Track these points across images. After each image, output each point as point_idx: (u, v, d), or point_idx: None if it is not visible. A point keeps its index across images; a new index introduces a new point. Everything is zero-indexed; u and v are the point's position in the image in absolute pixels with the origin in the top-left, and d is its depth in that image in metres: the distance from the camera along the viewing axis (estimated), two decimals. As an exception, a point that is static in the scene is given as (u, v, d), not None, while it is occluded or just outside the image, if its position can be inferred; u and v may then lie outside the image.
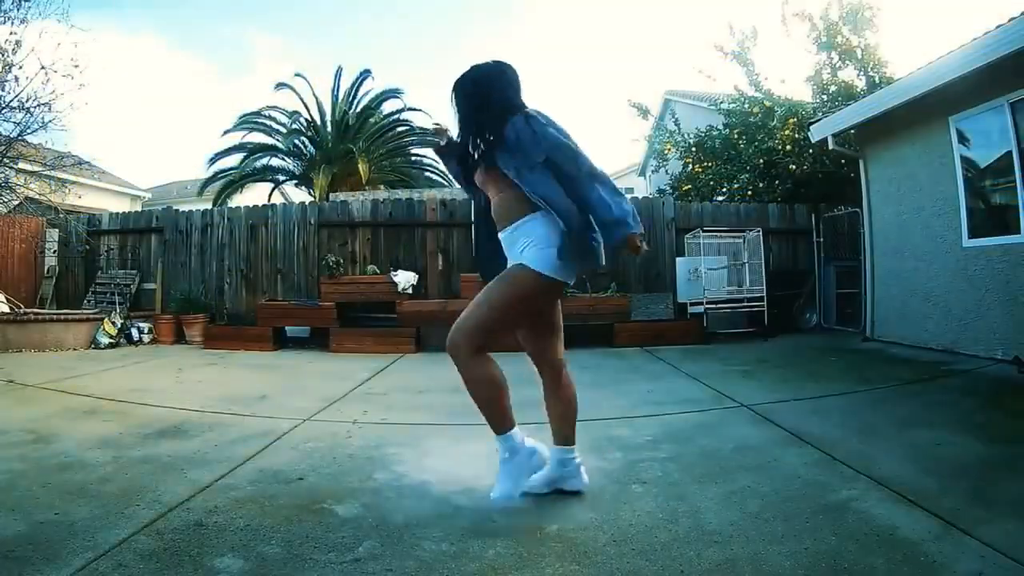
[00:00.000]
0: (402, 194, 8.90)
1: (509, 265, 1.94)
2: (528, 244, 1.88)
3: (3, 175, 7.51)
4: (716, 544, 1.68)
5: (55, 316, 6.42)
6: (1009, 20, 4.09)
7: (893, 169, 5.90)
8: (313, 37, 59.16)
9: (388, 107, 14.84)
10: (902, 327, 5.73)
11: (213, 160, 13.97)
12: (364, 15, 66.40)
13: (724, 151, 8.73)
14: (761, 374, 4.42)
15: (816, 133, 6.54)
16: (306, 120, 14.41)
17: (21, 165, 7.64)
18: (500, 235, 1.99)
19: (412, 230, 7.30)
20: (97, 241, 7.89)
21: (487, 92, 1.98)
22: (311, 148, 14.60)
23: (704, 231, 6.88)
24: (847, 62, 8.18)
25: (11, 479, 2.19)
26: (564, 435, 2.08)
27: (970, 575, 1.48)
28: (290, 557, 1.63)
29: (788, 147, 7.75)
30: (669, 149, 9.41)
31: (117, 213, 8.32)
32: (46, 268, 7.93)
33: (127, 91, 53.12)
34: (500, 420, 1.93)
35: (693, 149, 9.03)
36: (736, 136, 8.52)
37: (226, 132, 13.91)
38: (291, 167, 14.88)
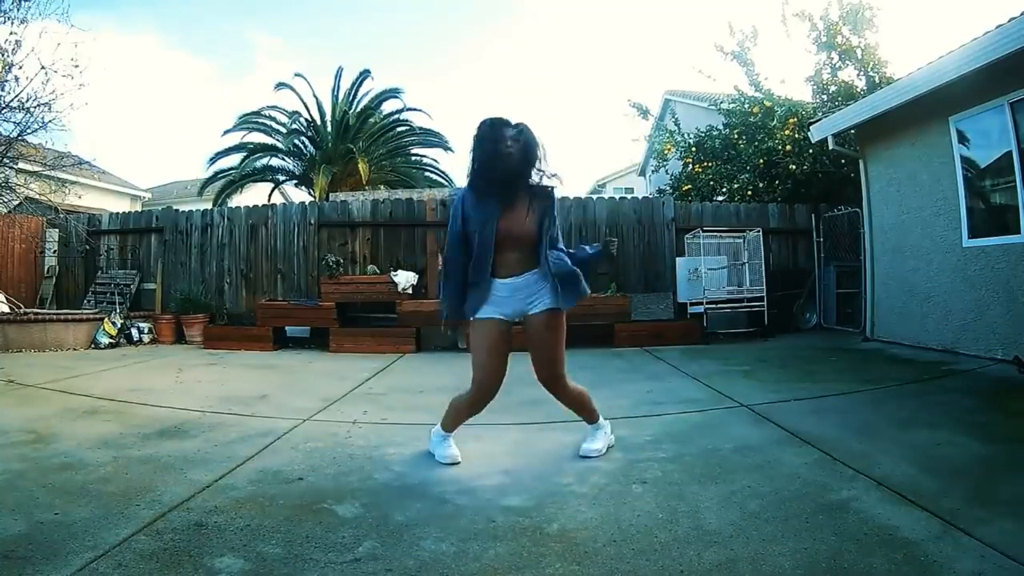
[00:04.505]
0: (402, 194, 8.89)
1: (511, 302, 2.29)
2: (542, 289, 2.30)
3: (3, 175, 7.51)
4: (716, 544, 1.68)
5: (55, 316, 6.42)
6: (1009, 20, 4.08)
7: (893, 169, 5.89)
8: (313, 37, 59.14)
9: (388, 107, 14.87)
10: (902, 327, 5.73)
11: (213, 160, 13.98)
12: (364, 15, 66.38)
13: (724, 151, 8.72)
14: (761, 374, 4.42)
15: (816, 133, 6.54)
16: (306, 120, 14.41)
17: (21, 165, 7.63)
18: (507, 280, 2.28)
19: (412, 230, 7.30)
20: (97, 241, 7.88)
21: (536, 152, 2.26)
22: (311, 148, 14.60)
23: (704, 231, 6.88)
24: (847, 62, 8.17)
25: (11, 479, 2.19)
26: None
27: (970, 575, 1.48)
28: (290, 557, 1.63)
29: (788, 147, 7.74)
30: (669, 149, 9.40)
31: (117, 213, 8.31)
32: (46, 268, 7.93)
33: (127, 91, 53.11)
34: (592, 415, 2.55)
35: (693, 149, 9.02)
36: (736, 136, 8.51)
37: (226, 132, 13.92)
38: (291, 167, 14.88)
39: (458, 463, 2.40)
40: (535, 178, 2.27)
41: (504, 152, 2.18)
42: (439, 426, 2.50)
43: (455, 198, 2.40)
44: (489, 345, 2.29)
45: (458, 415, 2.45)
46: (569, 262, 2.35)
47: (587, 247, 2.48)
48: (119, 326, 6.61)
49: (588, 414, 2.53)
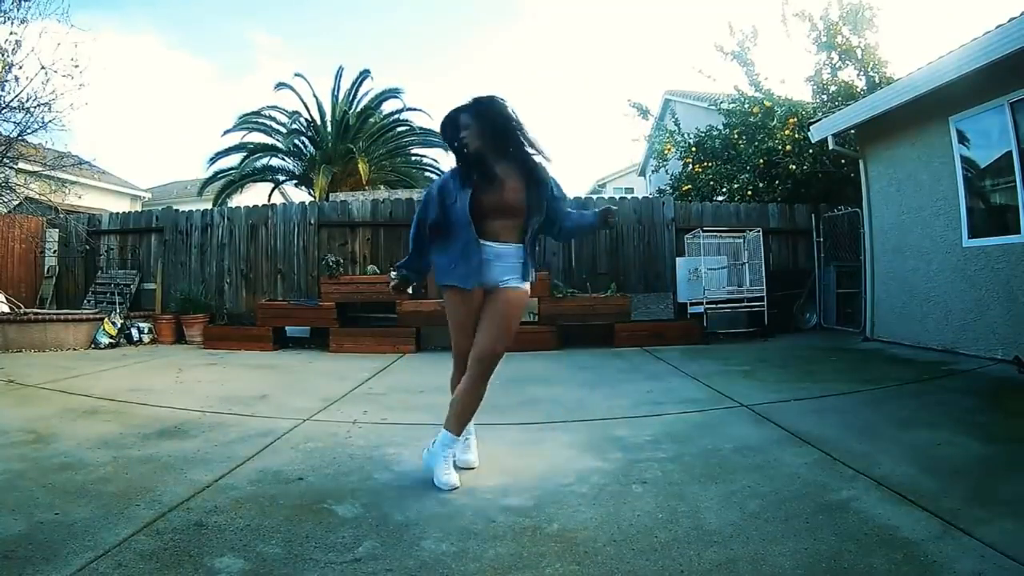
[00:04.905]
0: (402, 194, 8.89)
1: (494, 270, 2.24)
2: (521, 264, 2.28)
3: (3, 175, 7.51)
4: (716, 544, 1.68)
5: (55, 316, 6.42)
6: (1009, 20, 4.09)
7: (893, 169, 5.89)
8: (313, 37, 59.13)
9: (388, 107, 14.87)
10: (902, 327, 5.73)
11: (213, 160, 13.98)
12: (364, 15, 66.39)
13: (724, 151, 8.72)
14: (761, 374, 4.42)
15: (816, 133, 6.54)
16: (306, 120, 14.41)
17: (21, 165, 7.63)
18: (493, 244, 2.23)
19: (412, 230, 7.29)
20: (97, 241, 7.89)
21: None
22: (311, 148, 14.60)
23: (704, 231, 6.87)
24: (847, 62, 8.17)
25: (11, 479, 2.19)
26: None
27: (970, 575, 1.48)
28: (290, 557, 1.63)
29: (788, 147, 7.74)
30: (669, 149, 9.40)
31: (117, 213, 8.31)
32: (46, 268, 7.93)
33: (127, 91, 53.12)
34: (465, 424, 2.29)
35: (693, 149, 9.02)
36: (736, 136, 8.51)
37: (226, 132, 13.92)
38: (291, 167, 14.88)
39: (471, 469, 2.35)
40: (530, 149, 2.27)
41: (461, 140, 2.24)
42: (444, 430, 2.24)
43: (442, 176, 2.40)
44: (466, 314, 2.27)
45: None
46: (578, 220, 2.44)
47: (587, 213, 2.47)
48: (119, 326, 6.61)
49: (465, 421, 2.24)
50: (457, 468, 2.28)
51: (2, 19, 6.66)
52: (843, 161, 7.28)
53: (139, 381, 4.35)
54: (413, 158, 15.57)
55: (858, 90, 7.85)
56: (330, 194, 10.08)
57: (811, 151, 7.61)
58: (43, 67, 6.81)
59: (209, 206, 9.54)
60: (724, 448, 2.58)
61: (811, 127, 6.72)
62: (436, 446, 2.23)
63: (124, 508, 1.93)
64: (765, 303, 6.67)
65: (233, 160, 14.05)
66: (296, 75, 18.09)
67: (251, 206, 7.85)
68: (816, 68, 8.41)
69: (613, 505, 1.99)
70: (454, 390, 2.36)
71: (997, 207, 4.88)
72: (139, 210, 10.40)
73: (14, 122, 6.96)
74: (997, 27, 4.17)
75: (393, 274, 2.46)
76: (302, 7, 60.37)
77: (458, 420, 2.22)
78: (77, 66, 6.89)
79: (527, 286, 2.32)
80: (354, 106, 14.43)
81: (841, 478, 2.18)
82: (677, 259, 7.05)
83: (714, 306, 6.61)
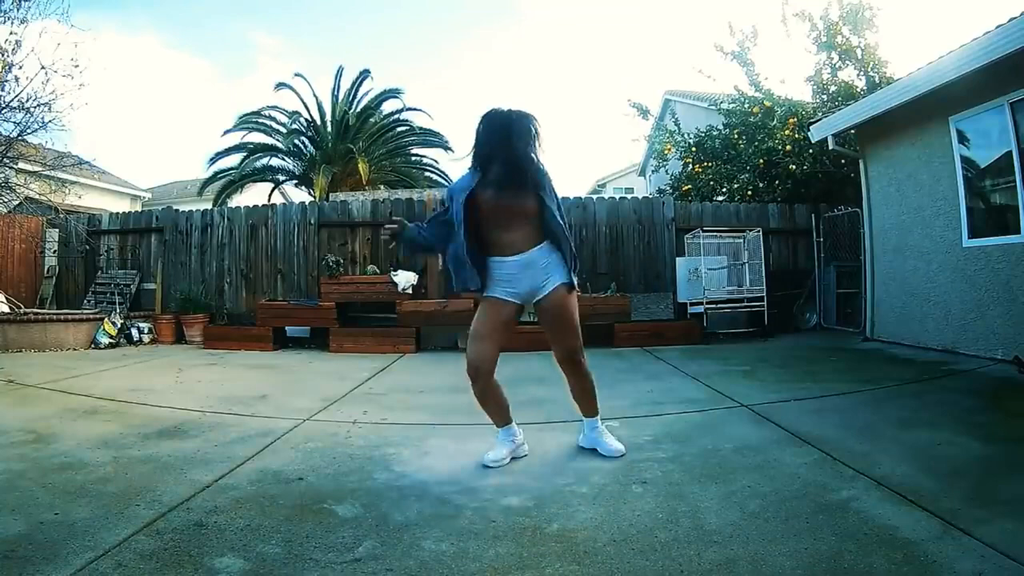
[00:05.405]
0: (402, 194, 8.89)
1: (524, 281, 2.32)
2: (550, 264, 2.33)
3: (3, 175, 7.52)
4: (716, 544, 1.68)
5: (55, 316, 6.42)
6: (1009, 20, 4.09)
7: (893, 169, 5.89)
8: (313, 37, 59.12)
9: (388, 107, 14.85)
10: (902, 327, 5.73)
11: (213, 160, 13.96)
12: (364, 15, 66.38)
13: (724, 151, 8.72)
14: (761, 374, 4.42)
15: (816, 133, 6.54)
16: (306, 120, 14.40)
17: (21, 165, 7.64)
18: (513, 258, 2.30)
19: (412, 230, 7.29)
20: (97, 241, 7.89)
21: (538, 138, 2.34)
22: (311, 148, 14.59)
23: (704, 231, 6.88)
24: (847, 62, 8.17)
25: (11, 479, 2.19)
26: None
27: (970, 575, 1.48)
28: (290, 557, 1.63)
29: (788, 147, 7.74)
30: (669, 149, 9.39)
31: (117, 213, 8.31)
32: (46, 268, 7.93)
33: (127, 91, 53.15)
34: (594, 405, 2.60)
35: (693, 149, 9.02)
36: (736, 136, 8.51)
37: (226, 132, 13.90)
38: (291, 167, 14.87)
39: (500, 465, 2.39)
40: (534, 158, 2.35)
41: (523, 149, 2.27)
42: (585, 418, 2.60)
43: (460, 179, 2.42)
44: (489, 324, 2.32)
45: (483, 407, 2.45)
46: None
47: None
48: (119, 326, 6.61)
49: (591, 403, 2.56)
50: (490, 465, 2.41)
51: (2, 19, 6.68)
52: (843, 161, 7.28)
53: (139, 381, 4.35)
54: (413, 158, 15.56)
55: (858, 90, 7.85)
56: (330, 194, 10.08)
57: (811, 151, 7.60)
58: (43, 67, 6.82)
59: (209, 206, 9.55)
60: (724, 448, 2.58)
61: (811, 127, 6.71)
62: (588, 429, 2.58)
63: (124, 508, 1.93)
64: (765, 303, 6.67)
65: (233, 160, 14.06)
66: (296, 75, 18.12)
67: (251, 206, 7.85)
68: (816, 68, 8.41)
69: (613, 505, 1.99)
70: (477, 393, 2.42)
71: (997, 207, 4.88)
72: (139, 210, 10.39)
73: (14, 122, 6.98)
74: (997, 27, 4.17)
75: (395, 226, 2.44)
76: (302, 7, 60.39)
77: (581, 406, 2.58)
78: (77, 66, 6.91)
79: (568, 284, 2.36)
80: (354, 106, 14.42)
81: (841, 478, 2.17)
82: (677, 259, 7.05)
83: (714, 306, 6.61)
